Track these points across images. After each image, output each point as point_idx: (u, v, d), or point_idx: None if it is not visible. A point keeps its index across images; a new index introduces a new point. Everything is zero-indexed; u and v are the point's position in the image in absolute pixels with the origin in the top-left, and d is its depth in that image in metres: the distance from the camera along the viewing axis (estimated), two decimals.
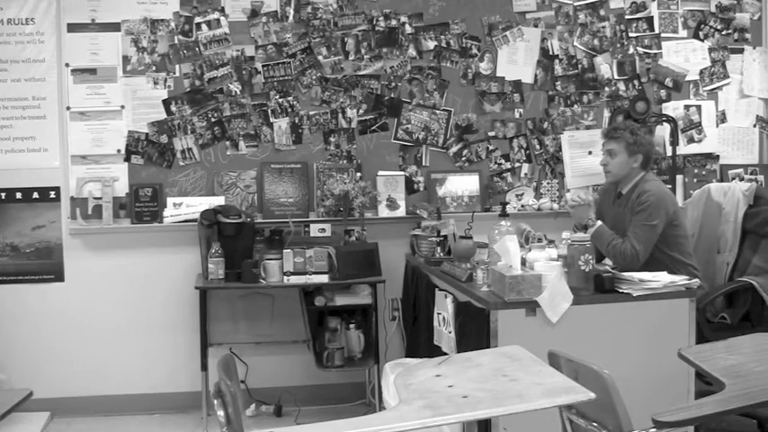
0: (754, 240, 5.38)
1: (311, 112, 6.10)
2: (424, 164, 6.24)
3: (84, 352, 5.97)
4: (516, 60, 6.31)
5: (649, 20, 6.46)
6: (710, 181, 6.45)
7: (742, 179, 6.44)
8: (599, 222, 4.90)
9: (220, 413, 2.59)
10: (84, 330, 5.97)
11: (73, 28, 5.90)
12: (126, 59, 5.95)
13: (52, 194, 5.91)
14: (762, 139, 6.62)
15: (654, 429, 2.54)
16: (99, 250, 5.95)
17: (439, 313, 4.77)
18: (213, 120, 6.01)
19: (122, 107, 5.94)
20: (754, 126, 6.61)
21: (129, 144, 5.95)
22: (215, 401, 2.61)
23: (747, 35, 6.60)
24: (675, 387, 4.10)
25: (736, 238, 5.46)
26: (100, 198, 5.88)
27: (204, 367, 5.53)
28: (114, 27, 5.93)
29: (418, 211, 5.93)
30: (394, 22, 6.16)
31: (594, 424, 2.71)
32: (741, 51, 6.59)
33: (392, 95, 6.18)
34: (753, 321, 5.30)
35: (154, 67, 5.96)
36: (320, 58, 6.09)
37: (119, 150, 5.95)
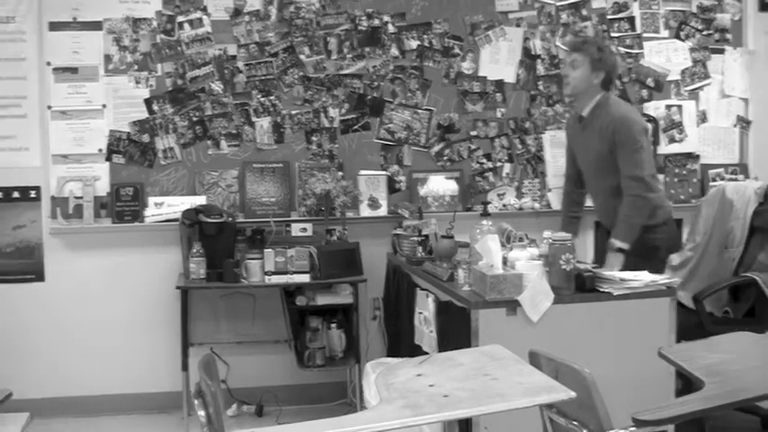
0: (762, 237, 5.41)
1: (293, 112, 6.10)
2: (405, 163, 6.24)
3: (65, 352, 5.95)
4: (498, 60, 6.32)
5: (631, 20, 6.48)
6: (691, 181, 6.48)
7: (722, 178, 6.47)
8: (615, 243, 4.88)
9: (201, 413, 2.58)
10: (65, 330, 5.95)
11: (54, 26, 5.88)
12: (108, 58, 5.93)
13: (33, 194, 5.88)
14: (742, 138, 6.65)
15: (634, 428, 2.54)
16: (80, 250, 5.93)
17: (420, 313, 4.77)
18: (195, 119, 6.00)
19: (104, 106, 5.92)
20: (735, 126, 6.64)
21: (111, 143, 5.93)
22: (196, 401, 2.60)
23: (728, 36, 6.62)
24: (656, 386, 4.09)
25: (744, 234, 5.49)
26: (81, 197, 5.86)
27: (185, 367, 5.52)
28: (96, 26, 5.91)
29: (400, 211, 5.93)
30: (376, 22, 6.16)
31: (575, 423, 2.71)
32: (722, 52, 6.62)
33: (374, 95, 6.18)
34: (757, 316, 5.36)
35: (136, 66, 5.95)
36: (302, 57, 6.08)
37: (100, 149, 5.93)
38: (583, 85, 5.03)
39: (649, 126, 5.16)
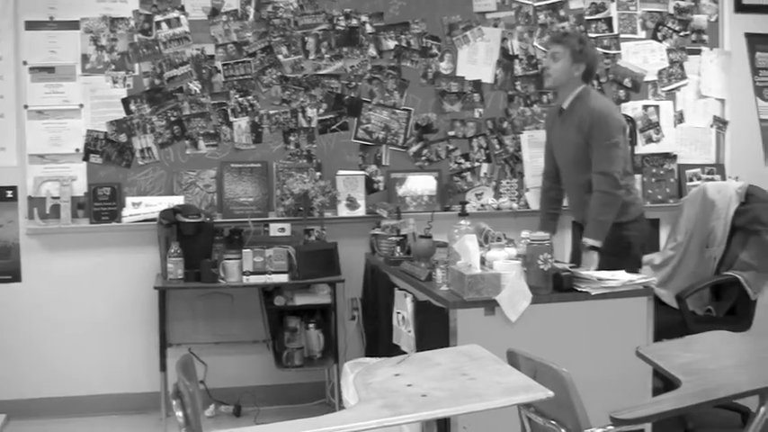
0: (743, 237, 5.45)
1: (271, 112, 6.09)
2: (383, 163, 6.24)
3: (42, 353, 5.92)
4: (476, 60, 6.33)
5: (608, 20, 6.50)
6: (668, 181, 6.51)
7: (699, 178, 6.50)
8: (587, 242, 4.90)
9: (179, 414, 2.57)
10: (42, 331, 5.92)
11: (31, 26, 5.84)
12: (85, 58, 5.90)
13: (9, 194, 5.85)
14: (718, 139, 6.69)
15: (611, 426, 2.55)
16: (57, 250, 5.91)
17: (398, 312, 4.77)
18: (173, 119, 5.98)
19: (81, 106, 5.90)
20: (711, 126, 6.67)
21: (88, 143, 5.90)
22: (174, 402, 2.59)
23: (705, 36, 6.66)
24: (633, 385, 4.12)
25: (725, 233, 5.52)
26: (58, 197, 5.84)
27: (163, 368, 5.50)
28: (73, 25, 5.88)
29: (378, 211, 5.93)
30: (354, 22, 6.16)
31: (553, 422, 2.72)
32: (698, 53, 6.65)
33: (352, 95, 6.17)
34: (738, 315, 5.42)
35: (113, 66, 5.92)
36: (280, 57, 6.08)
37: (77, 149, 5.90)
38: (564, 77, 5.07)
39: (627, 125, 5.17)
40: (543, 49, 6.29)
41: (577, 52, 5.03)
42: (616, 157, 4.88)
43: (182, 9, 5.98)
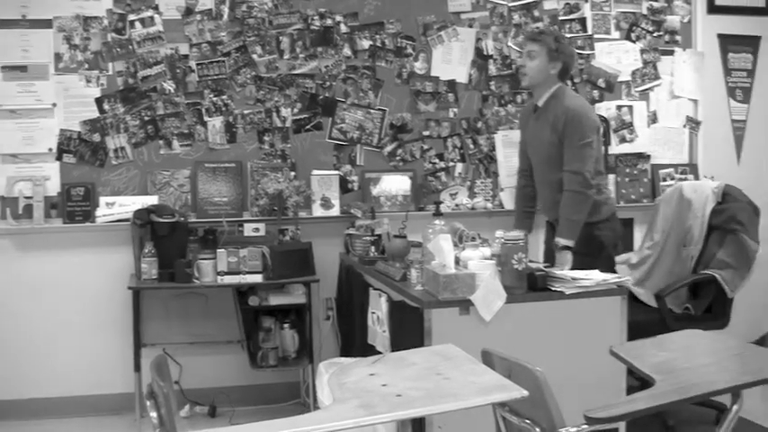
0: (720, 235, 5.49)
1: (245, 111, 6.08)
2: (358, 163, 6.24)
3: (14, 354, 5.88)
4: (451, 60, 6.34)
5: (582, 21, 6.53)
6: (642, 180, 6.55)
7: (673, 178, 6.54)
8: (560, 242, 4.92)
9: (153, 414, 2.56)
10: (14, 332, 5.87)
11: (3, 24, 5.79)
12: (58, 57, 5.86)
13: None
14: (691, 139, 6.73)
15: (586, 426, 2.56)
16: (30, 250, 5.87)
17: (373, 312, 4.78)
18: (147, 118, 5.96)
19: (54, 105, 5.86)
20: (684, 126, 6.72)
21: (61, 143, 5.87)
22: (148, 403, 2.58)
23: (678, 37, 6.70)
24: (607, 384, 4.13)
25: (702, 232, 5.56)
26: (31, 197, 5.80)
27: (137, 368, 5.47)
28: (46, 24, 5.84)
29: (352, 211, 5.92)
30: (329, 22, 6.16)
31: (527, 421, 2.72)
32: (671, 53, 6.69)
33: (327, 95, 6.17)
34: (715, 313, 5.47)
35: (86, 65, 5.89)
36: (255, 56, 6.07)
37: (50, 149, 5.86)
38: (540, 75, 5.07)
39: (602, 125, 5.19)
40: (518, 49, 6.30)
41: (554, 50, 5.02)
42: (588, 157, 4.89)
43: (156, 8, 5.96)
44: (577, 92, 6.39)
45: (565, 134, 4.92)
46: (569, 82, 6.24)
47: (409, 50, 6.28)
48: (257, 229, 5.72)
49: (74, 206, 5.83)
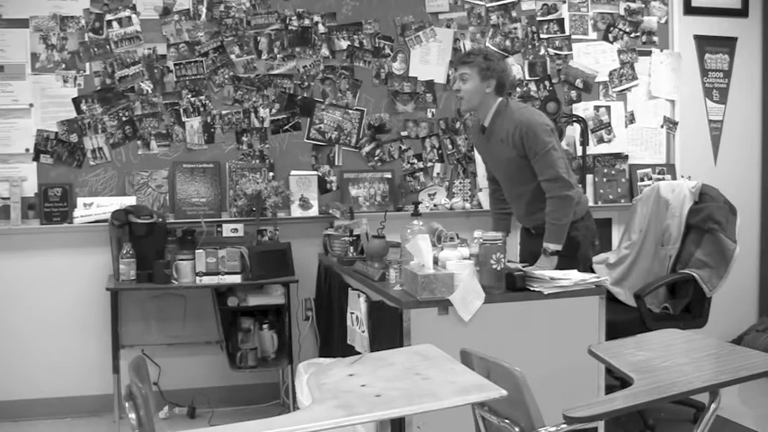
0: (697, 235, 5.52)
1: (223, 112, 6.06)
2: (336, 163, 6.24)
3: None
4: (429, 60, 6.35)
5: (560, 22, 6.55)
6: (620, 180, 6.58)
7: (650, 178, 6.57)
8: (549, 247, 4.89)
9: (132, 416, 2.55)
10: None
11: None
12: (35, 57, 5.83)
13: None
14: (669, 139, 6.77)
15: (565, 425, 2.57)
16: (7, 251, 5.83)
17: (352, 313, 4.78)
18: (124, 119, 5.93)
19: (31, 105, 5.83)
20: (662, 127, 6.75)
21: (38, 143, 5.84)
22: (126, 404, 2.58)
23: (655, 38, 6.74)
24: (586, 383, 4.15)
25: (680, 232, 5.58)
26: (8, 198, 5.76)
27: (116, 369, 5.45)
28: (22, 23, 5.80)
29: (331, 211, 5.93)
30: (307, 22, 6.15)
31: (507, 421, 2.73)
32: (649, 54, 6.73)
33: (305, 95, 6.17)
34: (693, 312, 5.51)
35: (63, 65, 5.86)
36: (233, 57, 6.05)
37: (27, 149, 5.83)
38: (476, 97, 4.96)
39: (554, 125, 5.17)
40: (495, 49, 6.31)
41: (485, 69, 4.90)
42: (556, 159, 4.84)
43: (133, 8, 5.93)
44: (555, 93, 6.43)
45: (525, 148, 4.87)
46: (547, 83, 6.27)
47: (387, 51, 6.28)
48: (236, 230, 5.71)
49: (51, 207, 5.80)
